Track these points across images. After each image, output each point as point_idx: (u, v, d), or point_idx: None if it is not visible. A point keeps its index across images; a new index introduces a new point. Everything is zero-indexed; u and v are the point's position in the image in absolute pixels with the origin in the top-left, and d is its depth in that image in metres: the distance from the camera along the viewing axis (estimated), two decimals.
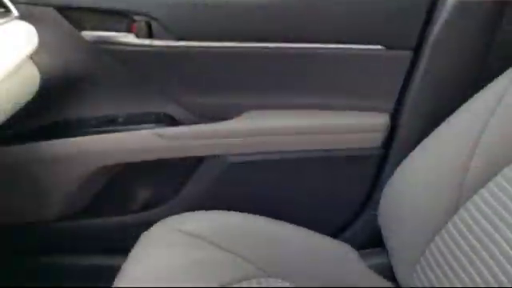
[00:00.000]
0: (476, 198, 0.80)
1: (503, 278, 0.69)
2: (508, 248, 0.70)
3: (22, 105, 0.96)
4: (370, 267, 1.00)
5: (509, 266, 0.68)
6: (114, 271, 0.91)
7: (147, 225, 1.00)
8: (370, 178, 1.13)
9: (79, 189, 1.12)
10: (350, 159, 1.10)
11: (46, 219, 1.16)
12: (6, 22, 0.90)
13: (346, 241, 1.06)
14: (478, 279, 0.73)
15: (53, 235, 1.19)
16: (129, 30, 1.02)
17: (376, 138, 1.08)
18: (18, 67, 0.89)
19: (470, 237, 0.77)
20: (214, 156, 1.10)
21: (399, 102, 1.06)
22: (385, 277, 0.99)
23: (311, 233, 1.03)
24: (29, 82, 0.98)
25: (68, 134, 1.08)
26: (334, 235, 1.11)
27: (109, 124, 1.09)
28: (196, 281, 0.85)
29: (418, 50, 1.00)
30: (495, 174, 0.79)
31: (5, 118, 0.91)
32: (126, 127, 1.09)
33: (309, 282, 0.93)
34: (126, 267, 0.89)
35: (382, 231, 0.98)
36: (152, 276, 0.86)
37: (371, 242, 1.09)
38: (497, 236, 0.73)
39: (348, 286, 0.95)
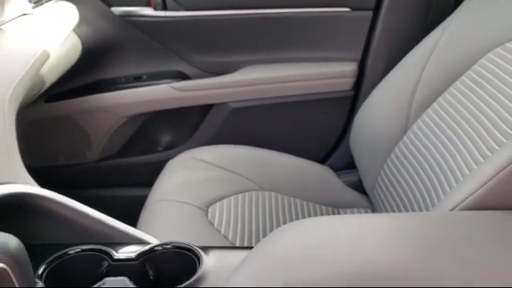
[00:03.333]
0: (419, 121, 0.97)
1: (439, 189, 0.82)
2: (441, 160, 0.86)
3: (69, 68, 1.16)
4: (344, 182, 1.20)
5: (442, 176, 0.83)
6: (143, 200, 1.07)
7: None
8: (345, 115, 1.31)
9: (114, 134, 1.31)
10: (328, 101, 1.28)
11: (88, 160, 1.35)
12: (54, 3, 1.10)
13: (327, 166, 1.26)
14: (421, 185, 0.89)
15: (93, 173, 1.37)
16: (148, 5, 1.21)
17: (347, 82, 1.26)
18: (66, 38, 1.08)
19: (415, 151, 0.95)
20: (220, 103, 1.28)
21: (364, 53, 1.24)
22: (355, 189, 1.19)
23: (298, 158, 1.22)
24: (73, 49, 1.17)
25: (103, 89, 1.26)
26: (318, 162, 1.27)
27: (135, 81, 1.27)
28: (207, 192, 1.04)
29: (376, 10, 1.19)
30: (432, 103, 0.96)
31: (56, 78, 1.11)
32: (148, 83, 1.27)
33: (295, 194, 1.12)
34: (156, 184, 1.09)
35: (353, 154, 1.16)
36: (174, 189, 1.06)
37: (347, 166, 1.29)
38: (434, 150, 0.90)
39: (326, 196, 1.14)
